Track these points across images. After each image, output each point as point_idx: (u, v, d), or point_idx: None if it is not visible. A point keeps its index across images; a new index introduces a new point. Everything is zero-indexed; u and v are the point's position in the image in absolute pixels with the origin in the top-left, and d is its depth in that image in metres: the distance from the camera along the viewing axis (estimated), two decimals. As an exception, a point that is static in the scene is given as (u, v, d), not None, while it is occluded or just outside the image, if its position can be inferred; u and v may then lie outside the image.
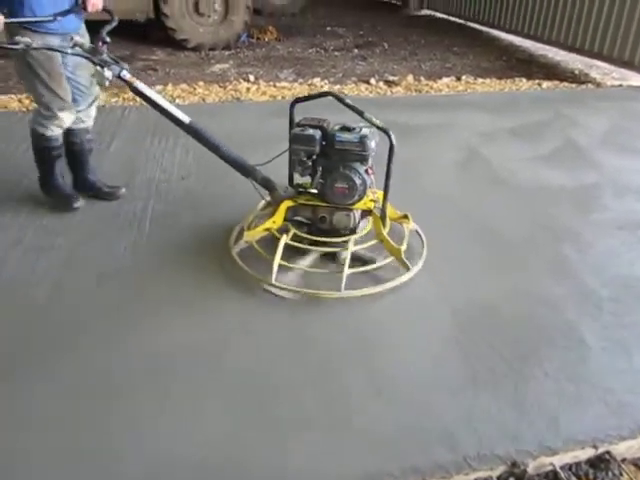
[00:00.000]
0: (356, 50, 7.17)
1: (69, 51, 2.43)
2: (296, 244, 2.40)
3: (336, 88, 5.39)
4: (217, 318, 2.18)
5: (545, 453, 1.65)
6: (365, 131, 2.35)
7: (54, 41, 2.48)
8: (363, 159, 2.35)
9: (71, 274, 2.42)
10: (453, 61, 6.73)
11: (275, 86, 5.37)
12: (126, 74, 2.46)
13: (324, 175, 2.38)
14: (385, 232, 2.43)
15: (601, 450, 1.68)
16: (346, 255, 2.32)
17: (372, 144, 2.34)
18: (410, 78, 5.78)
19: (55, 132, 2.72)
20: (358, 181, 2.32)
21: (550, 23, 6.75)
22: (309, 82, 5.56)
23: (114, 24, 2.55)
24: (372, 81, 5.66)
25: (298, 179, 2.56)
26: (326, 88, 5.32)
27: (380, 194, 2.48)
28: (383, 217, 2.44)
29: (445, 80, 5.80)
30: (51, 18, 2.48)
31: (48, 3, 2.47)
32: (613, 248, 2.72)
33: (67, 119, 2.70)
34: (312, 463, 1.61)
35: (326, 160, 2.37)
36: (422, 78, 5.82)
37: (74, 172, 3.01)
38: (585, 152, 3.89)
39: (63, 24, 2.51)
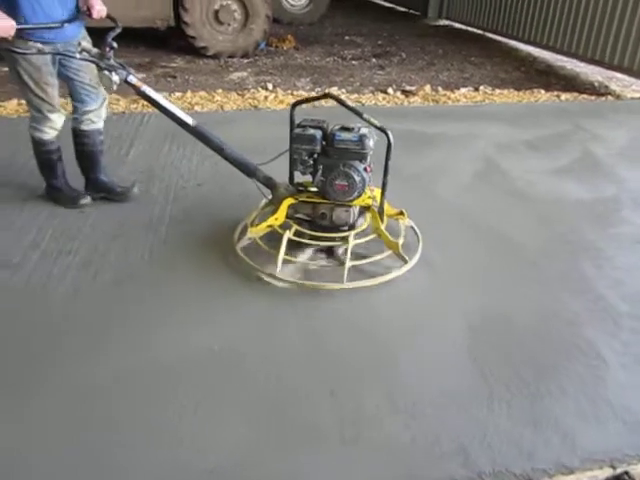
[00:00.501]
0: (374, 59, 7.18)
1: (77, 56, 2.51)
2: (299, 239, 2.50)
3: (353, 97, 5.40)
4: (232, 321, 2.20)
5: (562, 472, 1.62)
6: (364, 131, 2.45)
7: (45, 49, 2.53)
8: (362, 157, 2.45)
9: (88, 277, 2.44)
10: (471, 71, 6.71)
11: (292, 94, 5.38)
12: (132, 78, 2.54)
13: (325, 173, 2.45)
14: (383, 227, 2.52)
15: (619, 470, 1.65)
16: (344, 250, 2.46)
17: (370, 143, 2.44)
18: (427, 88, 5.77)
19: (50, 134, 2.81)
20: (357, 178, 2.41)
21: (569, 34, 6.70)
22: (326, 91, 5.57)
23: (118, 30, 2.62)
24: (389, 90, 5.66)
25: (298, 178, 2.62)
26: (343, 97, 5.33)
27: (377, 191, 2.58)
28: (381, 213, 2.53)
29: (463, 90, 5.78)
30: (59, 25, 2.55)
31: (42, 14, 2.52)
32: (632, 262, 2.68)
33: (58, 120, 2.80)
34: (325, 477, 1.60)
35: (327, 159, 2.46)
36: (439, 88, 5.80)
37: (86, 173, 3.06)
38: (604, 165, 3.85)
39: (57, 34, 2.57)
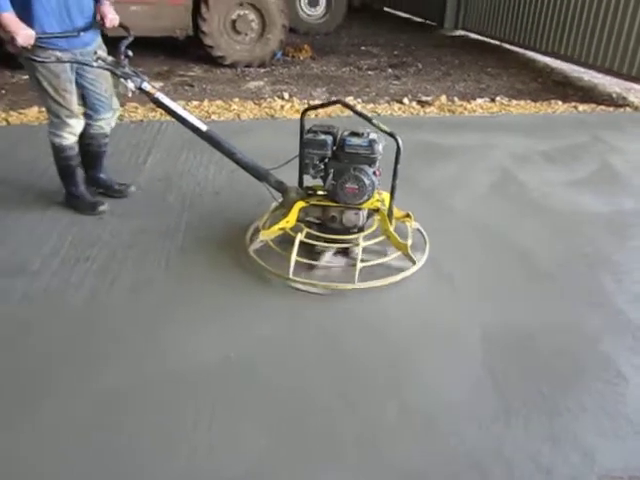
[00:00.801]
0: (390, 70, 7.19)
1: (94, 64, 2.60)
2: (310, 241, 2.56)
3: (369, 107, 5.41)
4: (248, 328, 2.22)
5: (580, 489, 1.60)
6: (373, 136, 2.54)
7: (64, 57, 2.61)
8: (371, 161, 2.52)
9: (105, 284, 2.46)
10: (487, 82, 6.70)
11: (309, 104, 5.41)
12: (147, 85, 2.63)
13: (335, 177, 2.52)
14: (392, 229, 2.58)
15: (639, 489, 1.62)
16: (356, 251, 2.54)
17: (379, 147, 2.52)
18: (443, 98, 5.76)
19: (70, 140, 2.89)
20: (367, 182, 2.47)
21: (587, 45, 6.67)
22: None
23: (130, 39, 2.71)
24: (405, 101, 5.66)
25: (307, 182, 2.69)
26: (359, 107, 5.34)
27: (385, 195, 2.64)
28: (390, 215, 2.59)
29: (479, 101, 5.77)
30: (75, 34, 2.64)
31: (56, 21, 2.60)
32: (652, 277, 2.65)
33: (77, 126, 2.87)
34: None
35: (337, 163, 2.53)
36: (456, 98, 5.79)
37: (87, 171, 3.17)
38: (622, 177, 3.81)
39: (72, 42, 2.66)
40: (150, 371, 1.99)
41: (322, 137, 2.52)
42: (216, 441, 1.72)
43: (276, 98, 5.59)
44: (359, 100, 5.67)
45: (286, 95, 5.69)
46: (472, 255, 2.78)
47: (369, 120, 2.46)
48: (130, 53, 2.63)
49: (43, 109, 4.93)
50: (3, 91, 5.65)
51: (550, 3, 7.46)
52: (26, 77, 6.14)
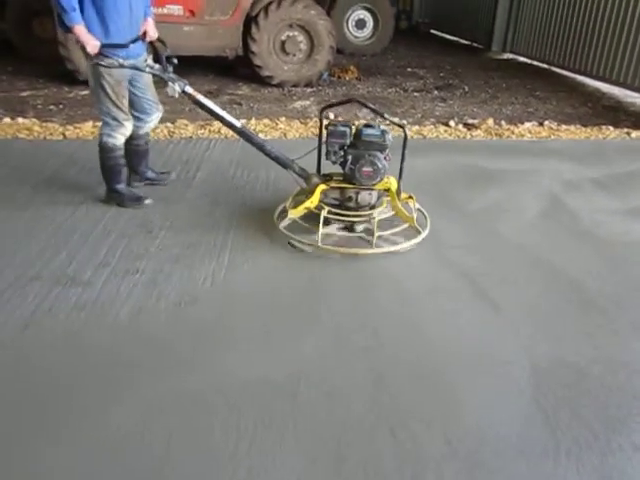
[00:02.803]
0: (436, 91, 7.18)
1: (147, 70, 3.07)
2: (333, 217, 3.02)
3: (414, 129, 5.40)
4: (291, 346, 2.22)
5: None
6: (384, 127, 3.04)
7: (125, 64, 3.00)
8: (383, 148, 2.96)
9: (152, 297, 2.51)
10: (535, 106, 6.60)
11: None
12: (189, 89, 3.06)
13: (353, 162, 2.93)
14: (400, 205, 3.04)
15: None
16: (362, 227, 3.06)
17: (389, 137, 2.98)
18: (490, 122, 5.70)
19: (121, 141, 3.25)
20: (380, 165, 2.92)
21: (641, 70, 6.52)
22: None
23: (168, 52, 3.13)
24: (451, 123, 5.63)
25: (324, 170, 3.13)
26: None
27: (392, 179, 3.07)
28: (398, 193, 3.04)
29: (527, 125, 5.68)
30: (128, 44, 3.05)
31: (122, 37, 3.02)
32: None
33: (129, 127, 3.25)
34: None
35: (355, 150, 2.96)
36: (503, 122, 5.72)
37: (135, 166, 3.57)
38: (679, 208, 3.67)
39: (129, 52, 3.07)
40: (192, 387, 2.00)
41: (342, 128, 2.98)
42: (256, 464, 1.71)
43: (322, 118, 5.64)
44: (404, 122, 5.66)
45: (332, 115, 5.73)
46: (520, 284, 2.72)
47: (381, 114, 3.00)
48: (175, 61, 3.04)
49: (98, 123, 5.13)
50: (61, 106, 5.89)
51: (602, 27, 7.34)
52: (83, 93, 6.41)
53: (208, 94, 6.51)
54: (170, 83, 2.99)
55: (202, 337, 2.27)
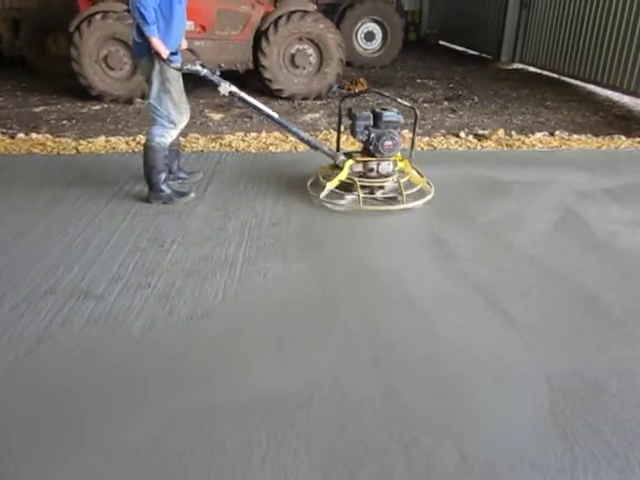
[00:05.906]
0: (446, 102, 7.18)
1: (201, 73, 3.41)
2: (363, 183, 3.70)
3: (424, 140, 5.40)
4: (305, 362, 2.20)
5: None
6: (397, 110, 3.76)
7: (183, 68, 3.41)
8: (398, 126, 3.73)
9: (164, 311, 2.52)
10: (546, 116, 6.58)
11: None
12: (233, 88, 3.55)
13: (375, 139, 3.63)
14: (412, 171, 3.82)
15: None
16: (381, 192, 3.76)
17: (401, 117, 3.73)
18: (501, 132, 5.69)
19: (170, 141, 3.56)
20: (397, 139, 3.66)
21: (653, 80, 6.48)
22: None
23: (201, 60, 3.53)
24: (462, 134, 5.62)
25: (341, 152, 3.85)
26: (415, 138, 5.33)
27: (399, 154, 3.79)
28: (410, 161, 3.83)
29: (538, 135, 5.66)
30: (177, 52, 3.46)
31: (174, 45, 3.41)
32: None
33: (181, 128, 3.63)
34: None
35: (376, 129, 3.67)
36: (513, 132, 5.71)
37: (170, 168, 3.79)
38: (695, 218, 3.62)
39: (178, 59, 3.45)
40: (205, 402, 2.00)
41: (366, 113, 3.72)
42: (269, 478, 1.70)
43: (332, 130, 5.66)
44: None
45: (341, 127, 5.75)
46: (534, 296, 2.69)
47: (394, 99, 3.84)
48: (223, 65, 3.57)
49: (111, 138, 5.20)
50: (74, 121, 5.97)
51: (612, 36, 7.32)
52: (95, 108, 6.50)
53: (219, 108, 6.58)
54: (222, 84, 3.46)
55: (214, 351, 2.27)
